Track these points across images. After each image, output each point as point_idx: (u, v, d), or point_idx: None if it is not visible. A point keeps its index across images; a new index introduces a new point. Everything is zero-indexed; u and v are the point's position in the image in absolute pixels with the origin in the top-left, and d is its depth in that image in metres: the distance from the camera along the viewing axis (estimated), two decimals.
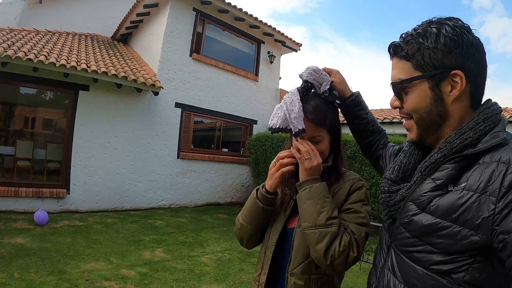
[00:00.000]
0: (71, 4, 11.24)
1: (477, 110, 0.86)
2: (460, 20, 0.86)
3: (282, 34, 10.66)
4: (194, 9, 8.84)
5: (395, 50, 0.93)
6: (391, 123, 8.90)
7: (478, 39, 0.86)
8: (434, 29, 0.85)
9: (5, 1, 9.52)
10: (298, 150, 1.23)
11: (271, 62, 10.98)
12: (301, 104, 1.20)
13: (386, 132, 1.60)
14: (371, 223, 3.95)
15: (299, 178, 1.24)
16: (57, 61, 6.26)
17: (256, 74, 10.67)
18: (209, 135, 10.21)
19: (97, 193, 7.32)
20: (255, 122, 10.67)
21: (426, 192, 0.84)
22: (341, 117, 1.45)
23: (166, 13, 8.43)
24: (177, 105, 8.70)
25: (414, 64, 0.88)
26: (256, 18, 9.66)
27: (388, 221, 0.99)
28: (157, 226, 6.55)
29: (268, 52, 10.87)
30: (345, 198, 1.25)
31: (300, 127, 1.19)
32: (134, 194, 7.91)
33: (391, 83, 0.94)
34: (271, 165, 1.33)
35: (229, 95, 9.83)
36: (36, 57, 6.04)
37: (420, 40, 0.86)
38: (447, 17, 0.87)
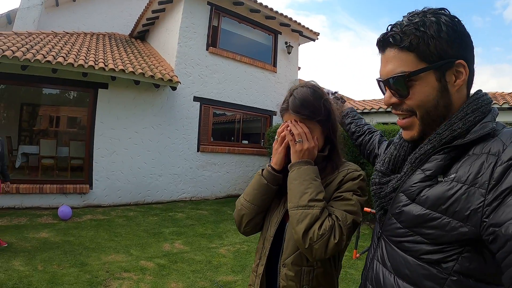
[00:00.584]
0: (87, 4, 11.46)
1: (467, 101, 0.86)
2: (447, 10, 0.85)
3: (299, 24, 10.53)
4: (208, 3, 8.87)
5: (395, 40, 0.86)
6: None
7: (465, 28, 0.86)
8: (432, 18, 0.82)
9: (23, 6, 9.77)
10: (292, 133, 1.25)
11: (289, 53, 10.89)
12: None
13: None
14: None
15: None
16: (75, 61, 6.44)
17: (274, 65, 10.62)
18: (229, 127, 10.27)
19: (119, 187, 7.54)
20: (275, 113, 10.63)
21: (416, 183, 0.84)
22: None
23: (180, 9, 8.50)
24: (196, 99, 8.79)
25: (418, 54, 0.84)
26: (271, 9, 9.58)
27: (380, 213, 0.99)
28: (177, 218, 6.69)
29: (286, 43, 10.79)
30: (336, 187, 1.24)
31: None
32: (155, 188, 8.09)
33: (391, 78, 0.88)
34: (274, 142, 1.35)
35: (247, 87, 9.84)
36: (54, 58, 6.23)
37: (422, 29, 0.82)
38: (438, 8, 0.85)
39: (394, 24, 0.88)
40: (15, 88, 8.11)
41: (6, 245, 4.46)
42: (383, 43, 0.90)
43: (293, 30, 10.80)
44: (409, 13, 0.87)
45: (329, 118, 1.30)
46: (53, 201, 6.76)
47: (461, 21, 0.84)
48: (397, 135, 1.08)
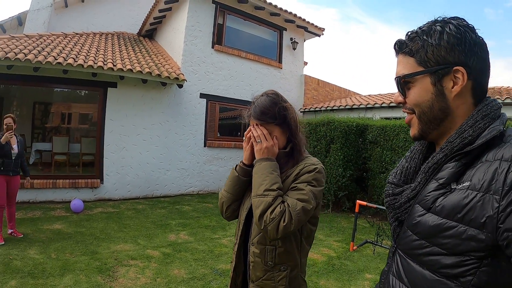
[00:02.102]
0: (96, 5, 11.72)
1: (477, 108, 0.87)
2: (465, 20, 0.88)
3: (304, 19, 10.67)
4: (213, 2, 9.09)
5: (400, 46, 0.95)
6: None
7: (482, 38, 0.88)
8: (438, 27, 0.87)
9: (33, 7, 10.07)
10: (257, 136, 1.49)
11: (294, 49, 11.05)
12: None
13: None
14: (378, 206, 4.15)
15: None
16: (84, 62, 6.75)
17: (280, 61, 10.81)
18: (235, 123, 10.48)
19: (129, 182, 7.87)
20: None
21: (430, 192, 0.86)
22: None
23: (186, 8, 8.75)
24: (202, 95, 9.06)
25: (417, 59, 0.90)
26: (276, 6, 9.76)
27: (394, 224, 0.99)
28: (184, 211, 6.98)
29: (291, 39, 10.95)
30: (293, 179, 1.46)
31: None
32: (163, 182, 8.40)
33: (395, 78, 0.97)
34: (243, 142, 1.60)
35: (253, 84, 10.06)
36: (65, 60, 6.55)
37: (424, 37, 0.88)
38: (452, 17, 0.89)
39: (408, 32, 0.95)
40: (27, 87, 8.47)
41: (22, 236, 4.81)
42: (395, 48, 0.98)
43: (298, 26, 10.96)
44: (426, 22, 0.93)
45: (285, 121, 1.52)
46: (65, 195, 7.12)
47: (474, 30, 0.87)
48: (409, 150, 1.11)
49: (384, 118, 8.70)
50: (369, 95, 12.13)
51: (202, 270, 4.09)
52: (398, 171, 1.04)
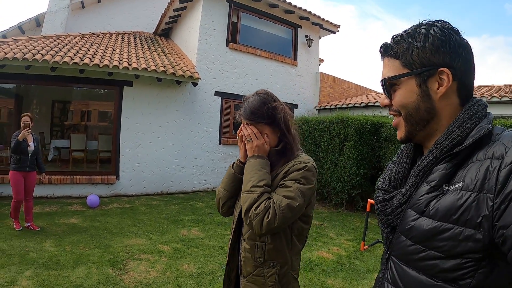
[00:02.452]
0: (112, 5, 11.97)
1: (463, 108, 0.88)
2: (449, 23, 0.90)
3: (319, 16, 10.62)
4: (227, 0, 9.16)
5: (385, 49, 0.96)
6: None
7: (466, 41, 0.89)
8: (423, 30, 0.88)
9: (50, 9, 10.36)
10: (247, 135, 1.54)
11: (309, 46, 11.01)
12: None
13: None
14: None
15: None
16: (100, 62, 6.94)
17: (295, 58, 10.78)
18: None
19: (144, 178, 8.03)
20: (296, 106, 10.84)
21: (422, 195, 0.86)
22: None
23: (200, 7, 8.85)
24: (217, 93, 9.14)
25: (402, 62, 0.91)
26: (290, 3, 9.74)
27: (386, 231, 0.99)
28: (197, 207, 7.08)
29: (306, 36, 10.91)
30: (282, 176, 1.49)
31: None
32: (178, 179, 8.53)
33: (380, 81, 0.98)
34: (238, 142, 1.66)
35: (268, 81, 10.07)
36: (81, 60, 6.75)
37: (409, 40, 0.90)
38: (436, 20, 0.91)
39: (394, 35, 0.97)
40: (46, 86, 8.74)
41: (38, 229, 5.00)
42: (381, 51, 0.99)
43: (313, 23, 10.90)
44: (411, 26, 0.94)
45: (274, 120, 1.54)
46: (82, 190, 7.35)
47: (458, 33, 0.88)
48: (396, 154, 1.11)
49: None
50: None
51: (211, 266, 4.15)
52: (387, 177, 1.05)
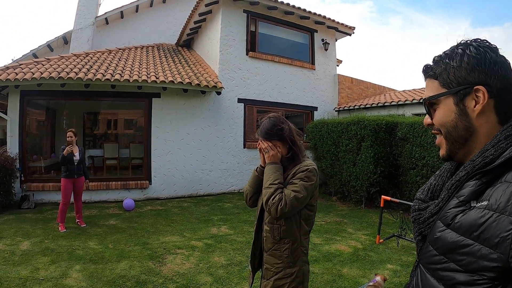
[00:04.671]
0: (134, 20, 12.70)
1: (501, 128, 0.88)
2: (486, 41, 0.92)
3: (333, 20, 10.95)
4: (244, 11, 9.66)
5: (425, 71, 1.01)
6: None
7: (503, 57, 0.90)
8: (459, 50, 0.91)
9: (76, 27, 11.12)
10: (264, 148, 2.08)
11: (326, 49, 11.33)
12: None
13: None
14: (405, 202, 4.57)
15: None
16: (130, 77, 7.60)
17: (312, 62, 11.16)
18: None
19: (175, 182, 8.66)
20: (316, 108, 11.20)
21: (450, 209, 0.87)
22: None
23: (219, 19, 9.40)
24: (240, 100, 9.67)
25: (441, 82, 0.94)
26: (305, 10, 10.16)
27: (418, 238, 1.02)
28: (225, 208, 7.61)
29: (322, 40, 11.26)
30: (292, 175, 2.00)
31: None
32: (206, 182, 9.11)
33: (422, 100, 1.04)
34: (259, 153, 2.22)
35: (287, 86, 10.51)
36: (112, 76, 7.42)
37: (447, 60, 0.93)
38: (474, 39, 0.93)
39: (434, 56, 1.01)
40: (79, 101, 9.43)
41: (85, 225, 5.87)
42: (423, 73, 1.03)
43: (328, 27, 11.24)
44: (451, 46, 0.97)
45: (282, 136, 2.05)
46: (118, 195, 8.06)
47: (494, 50, 0.90)
48: (439, 169, 1.14)
49: (415, 114, 8.82)
50: (403, 91, 12.11)
51: (239, 258, 4.63)
52: (426, 188, 1.08)
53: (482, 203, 0.80)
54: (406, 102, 9.35)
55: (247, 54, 9.74)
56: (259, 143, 2.11)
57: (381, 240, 5.40)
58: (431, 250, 0.91)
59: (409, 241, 5.22)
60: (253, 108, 9.94)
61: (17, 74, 6.90)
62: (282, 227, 1.98)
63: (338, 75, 11.86)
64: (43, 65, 7.65)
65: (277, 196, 1.87)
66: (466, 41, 0.93)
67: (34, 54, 11.53)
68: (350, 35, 11.92)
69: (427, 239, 0.94)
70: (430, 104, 0.98)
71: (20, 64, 7.59)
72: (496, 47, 0.90)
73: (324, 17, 10.66)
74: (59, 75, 6.99)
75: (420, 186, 6.70)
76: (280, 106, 10.32)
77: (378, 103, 10.24)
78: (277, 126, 2.06)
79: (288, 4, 9.81)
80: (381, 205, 5.44)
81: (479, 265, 0.76)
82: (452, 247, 0.83)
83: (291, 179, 1.97)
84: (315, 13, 10.43)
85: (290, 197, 1.87)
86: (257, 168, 2.20)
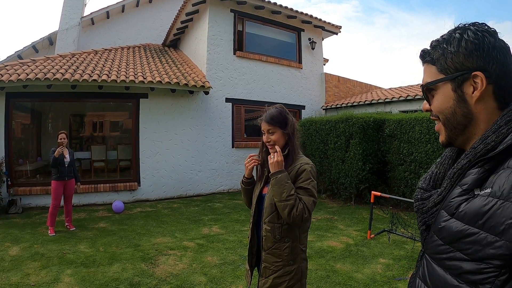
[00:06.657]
0: (120, 20, 12.57)
1: (501, 113, 0.87)
2: (485, 24, 0.90)
3: (320, 19, 11.05)
4: (231, 10, 9.65)
5: (423, 56, 0.99)
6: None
7: (503, 41, 0.88)
8: (457, 35, 0.89)
9: (62, 28, 10.94)
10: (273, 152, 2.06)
11: (313, 48, 11.43)
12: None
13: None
14: (406, 199, 4.68)
15: (264, 166, 2.13)
16: (117, 77, 7.50)
17: (299, 61, 11.23)
18: (260, 123, 10.89)
19: (164, 183, 8.59)
20: (303, 107, 11.28)
21: (454, 198, 0.86)
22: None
23: (206, 19, 9.37)
24: (227, 100, 9.65)
25: (438, 67, 0.92)
26: (291, 9, 10.22)
27: (422, 228, 1.01)
28: (215, 208, 7.59)
29: (309, 39, 11.34)
30: (295, 175, 2.00)
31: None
32: (195, 182, 9.07)
33: (420, 86, 1.01)
34: (245, 161, 2.21)
35: (275, 85, 10.55)
36: (99, 76, 7.32)
37: (444, 45, 0.91)
38: (472, 22, 0.91)
39: (432, 40, 0.99)
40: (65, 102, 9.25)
41: (74, 228, 5.78)
42: (420, 58, 1.02)
43: (315, 26, 11.34)
44: (448, 30, 0.95)
45: (286, 125, 2.07)
46: (106, 198, 7.95)
47: (493, 34, 0.87)
48: (440, 156, 1.12)
49: (402, 111, 8.93)
50: (390, 89, 12.28)
51: (232, 257, 4.62)
52: (428, 177, 1.07)
53: (486, 191, 0.79)
54: (393, 99, 9.47)
55: (234, 54, 9.73)
56: (265, 137, 2.10)
57: (372, 235, 5.47)
58: (436, 240, 0.90)
59: (400, 236, 5.29)
60: (241, 107, 9.94)
61: (2, 76, 6.73)
62: (283, 227, 1.98)
63: (325, 74, 11.95)
64: (29, 66, 7.51)
65: (300, 207, 1.88)
66: (464, 24, 0.91)
67: (19, 56, 11.29)
68: (336, 34, 12.05)
69: (432, 229, 0.93)
70: (428, 90, 0.97)
71: (6, 66, 7.41)
72: (495, 30, 0.88)
73: (311, 16, 10.74)
74: (45, 76, 6.86)
75: (408, 182, 6.97)
76: (268, 105, 10.18)
77: (365, 101, 10.35)
78: (283, 115, 2.10)
79: (275, 4, 9.85)
80: (371, 200, 5.51)
81: (486, 254, 0.75)
82: (457, 236, 0.82)
83: (300, 183, 1.98)
84: (302, 13, 10.50)
85: (310, 203, 1.93)
86: (242, 181, 2.26)
